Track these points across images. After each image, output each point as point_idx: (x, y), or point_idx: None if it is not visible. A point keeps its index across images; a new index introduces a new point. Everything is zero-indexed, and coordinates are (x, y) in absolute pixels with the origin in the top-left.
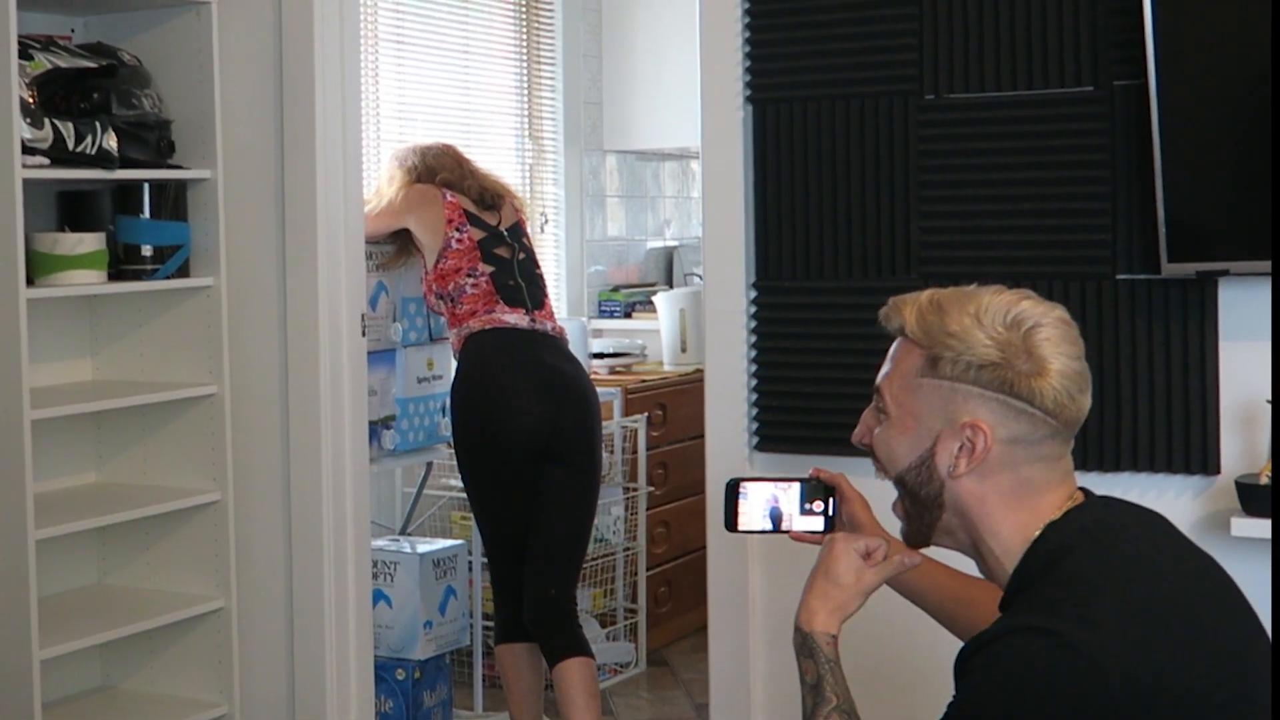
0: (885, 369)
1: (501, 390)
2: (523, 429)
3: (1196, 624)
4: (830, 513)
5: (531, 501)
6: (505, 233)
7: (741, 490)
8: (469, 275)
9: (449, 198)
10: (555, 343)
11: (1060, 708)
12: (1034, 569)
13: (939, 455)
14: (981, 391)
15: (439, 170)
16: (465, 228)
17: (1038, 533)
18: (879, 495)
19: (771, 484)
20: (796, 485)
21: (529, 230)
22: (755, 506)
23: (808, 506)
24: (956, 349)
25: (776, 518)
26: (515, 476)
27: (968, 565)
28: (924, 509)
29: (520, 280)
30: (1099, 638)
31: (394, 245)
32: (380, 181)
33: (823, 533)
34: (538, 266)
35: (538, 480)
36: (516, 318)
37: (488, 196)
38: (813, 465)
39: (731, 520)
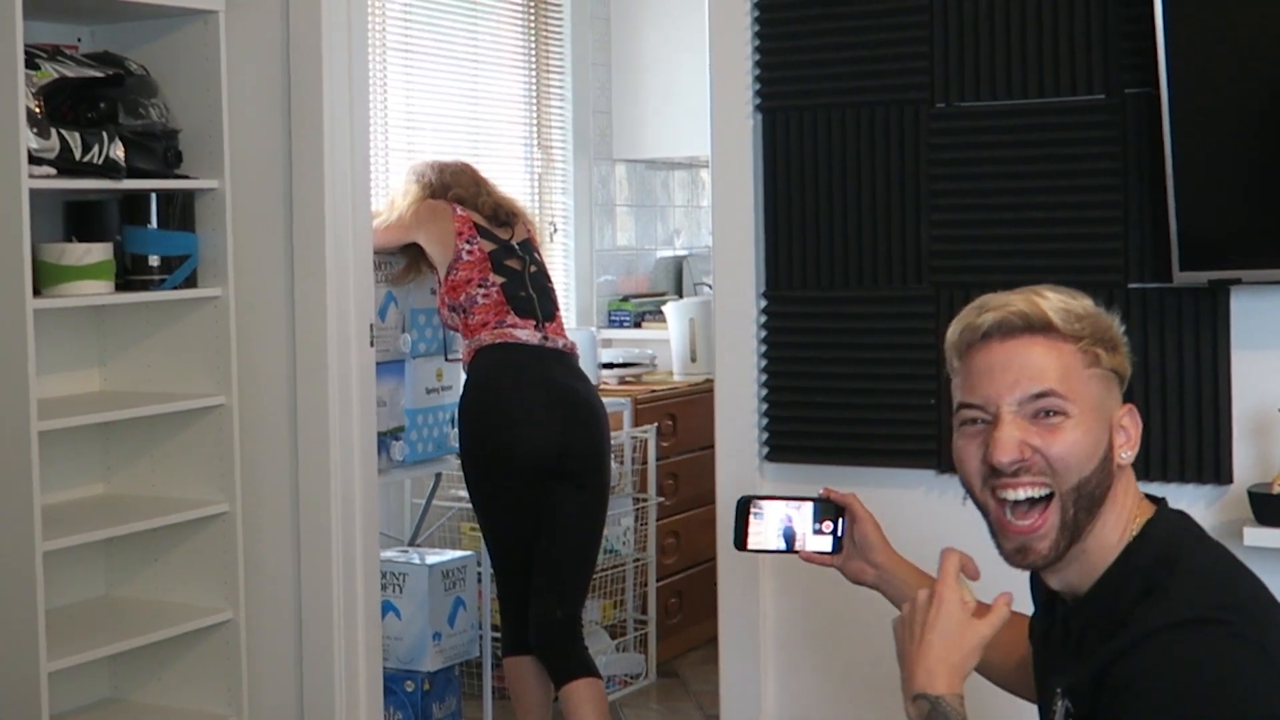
0: (1032, 371)
1: (509, 408)
2: (530, 448)
3: None
4: (839, 533)
5: (538, 519)
6: (516, 246)
7: (755, 509)
8: (480, 286)
9: (459, 211)
10: (566, 359)
11: (1246, 696)
12: (1145, 565)
13: (1114, 448)
14: (1120, 381)
15: (453, 186)
16: (475, 240)
17: (1136, 529)
18: (888, 513)
19: (784, 503)
20: (809, 505)
21: (540, 246)
22: (769, 525)
23: (818, 526)
24: (1114, 341)
25: (790, 537)
26: (521, 494)
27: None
28: (1093, 509)
29: (532, 291)
30: (1257, 625)
31: (404, 259)
32: (395, 194)
33: (831, 553)
34: (549, 280)
35: (545, 498)
36: (528, 333)
37: (501, 213)
38: (824, 474)
39: (741, 539)
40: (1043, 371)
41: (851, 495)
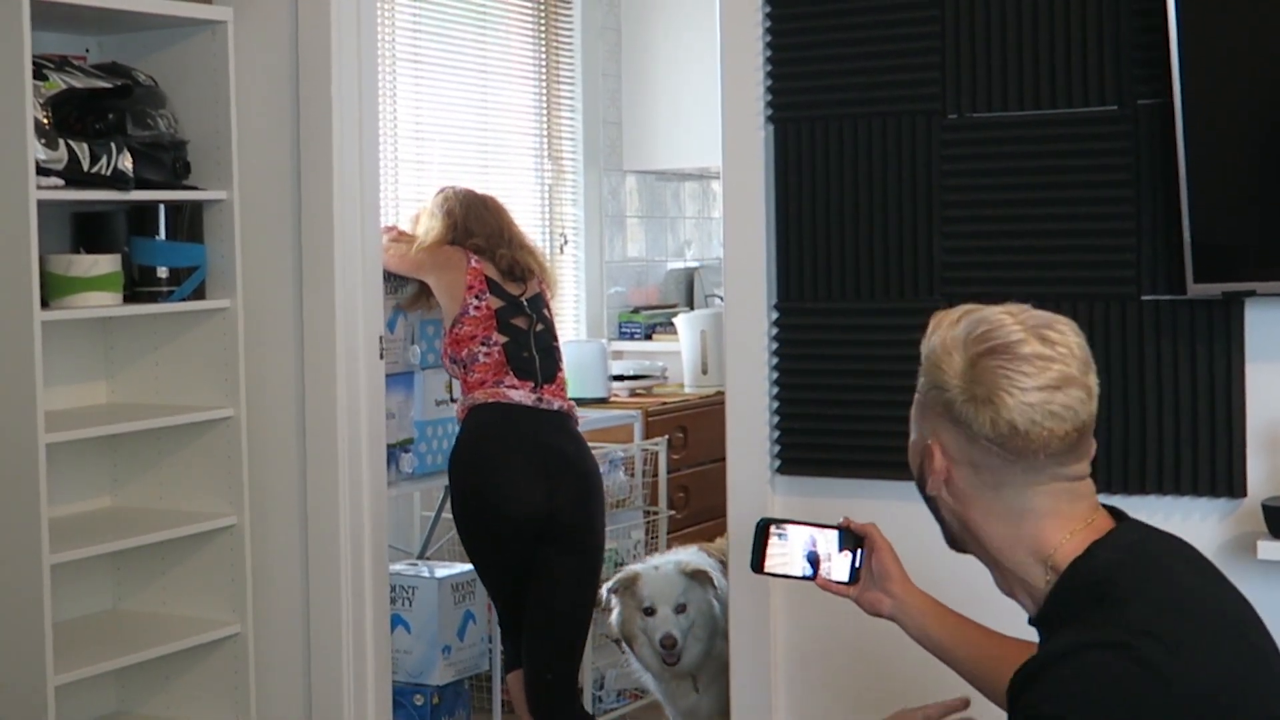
0: None
1: (497, 467)
2: (517, 509)
3: (1252, 646)
4: (857, 564)
5: (526, 577)
6: (525, 303)
7: (778, 530)
8: (483, 344)
9: (473, 263)
10: (559, 420)
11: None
12: (1080, 589)
13: (926, 472)
14: (942, 413)
15: (475, 234)
16: (485, 295)
17: (1063, 553)
18: (899, 526)
19: (809, 527)
20: (834, 532)
21: (551, 301)
22: (794, 549)
23: (840, 555)
24: (930, 370)
25: (814, 561)
26: (509, 552)
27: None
28: (938, 519)
29: (535, 352)
30: (1168, 652)
31: (414, 286)
32: (421, 213)
33: (849, 583)
34: (555, 338)
35: (534, 560)
36: (522, 394)
37: (517, 269)
38: (835, 487)
39: (759, 560)
40: None
41: (871, 525)
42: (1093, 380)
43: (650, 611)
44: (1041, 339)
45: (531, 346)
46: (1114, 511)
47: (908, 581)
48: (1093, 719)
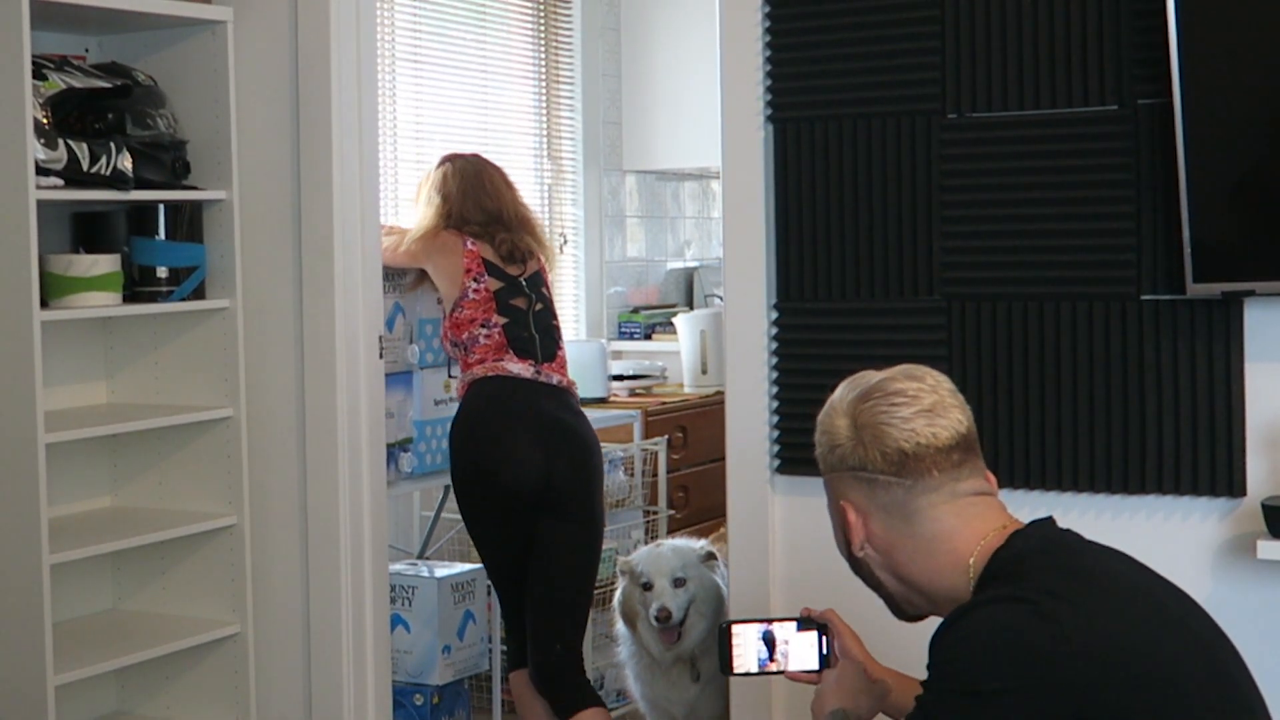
0: None
1: (494, 436)
2: (513, 477)
3: (1161, 609)
4: (824, 650)
5: (526, 550)
6: (524, 283)
7: (734, 633)
8: (483, 326)
9: (470, 245)
10: (559, 393)
11: (1034, 667)
12: (998, 570)
13: (847, 535)
14: (841, 475)
15: (470, 220)
16: (483, 278)
17: (975, 560)
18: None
19: (762, 624)
20: (791, 624)
21: (550, 280)
22: (748, 647)
23: (802, 644)
24: (823, 444)
25: (770, 652)
26: (508, 523)
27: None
28: (877, 589)
29: (535, 332)
30: (1068, 607)
31: (412, 274)
32: (422, 185)
33: (818, 671)
34: (555, 317)
35: (533, 532)
36: (521, 368)
37: (517, 253)
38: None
39: (726, 663)
40: None
41: (830, 611)
42: (966, 409)
43: (648, 586)
44: (909, 376)
45: (531, 326)
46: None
47: (871, 661)
48: (993, 664)
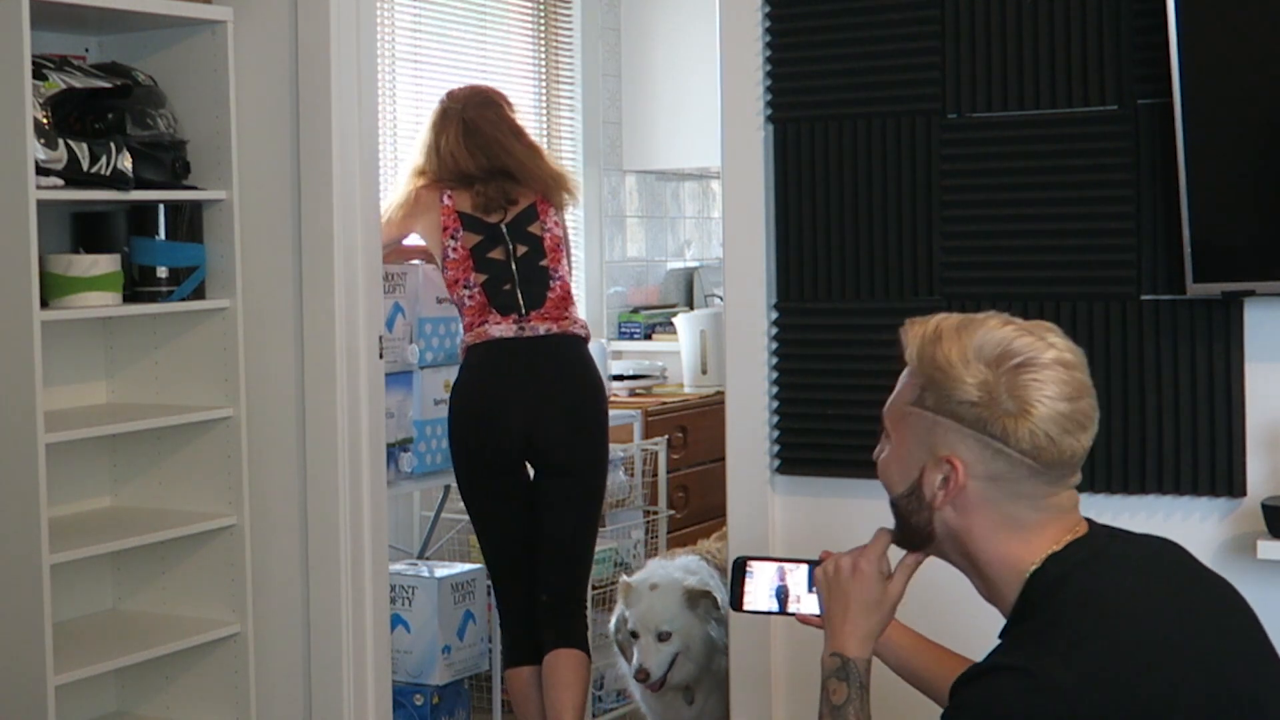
0: (893, 394)
1: (476, 412)
2: (500, 432)
3: (1194, 657)
4: None
5: (525, 515)
6: (505, 229)
7: (748, 569)
8: (465, 287)
9: (446, 201)
10: (547, 344)
11: None
12: (1032, 601)
13: (924, 485)
14: (960, 427)
15: (459, 166)
16: (459, 234)
17: (1035, 565)
18: None
19: (778, 564)
20: (804, 567)
21: (551, 211)
22: (761, 586)
23: (814, 588)
24: (941, 382)
25: (782, 597)
26: (500, 483)
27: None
28: (914, 534)
29: (516, 282)
30: (1079, 679)
31: (419, 257)
32: (422, 133)
33: (823, 615)
34: (544, 256)
35: (529, 493)
36: (503, 328)
37: (495, 202)
38: (835, 486)
39: (738, 599)
40: (891, 397)
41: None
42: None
43: (634, 635)
44: (1063, 364)
45: (513, 276)
46: (1091, 524)
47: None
48: None
